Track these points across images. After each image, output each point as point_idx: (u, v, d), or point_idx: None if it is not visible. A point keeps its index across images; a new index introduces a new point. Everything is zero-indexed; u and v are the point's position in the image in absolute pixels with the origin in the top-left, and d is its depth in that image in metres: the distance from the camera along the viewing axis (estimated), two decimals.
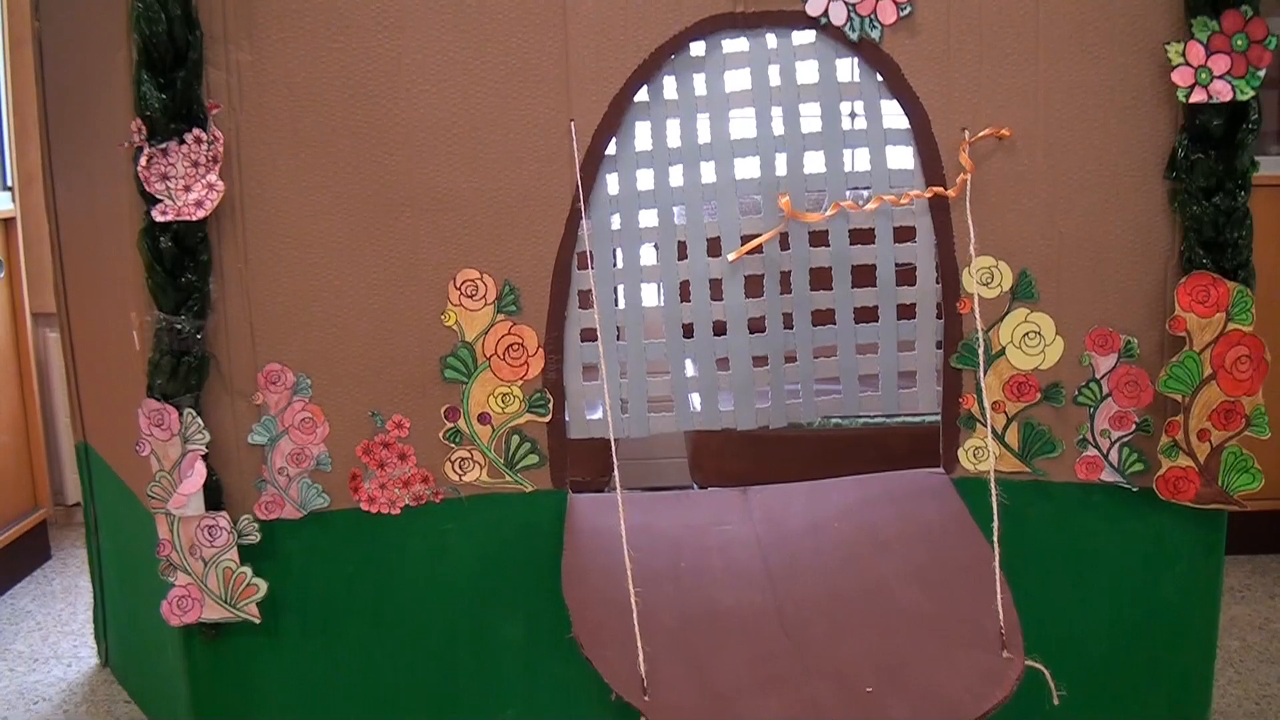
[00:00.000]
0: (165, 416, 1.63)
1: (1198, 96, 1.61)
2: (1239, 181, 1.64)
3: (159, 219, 1.59)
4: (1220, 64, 1.61)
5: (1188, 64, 1.62)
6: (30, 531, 2.58)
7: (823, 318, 1.81)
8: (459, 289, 1.73)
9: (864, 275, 1.80)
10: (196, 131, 1.61)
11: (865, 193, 1.78)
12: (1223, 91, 1.60)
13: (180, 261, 1.63)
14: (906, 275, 1.78)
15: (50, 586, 2.55)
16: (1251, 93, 1.60)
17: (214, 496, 1.68)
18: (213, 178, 1.62)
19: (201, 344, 1.65)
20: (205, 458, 1.65)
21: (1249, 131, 1.61)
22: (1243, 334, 1.64)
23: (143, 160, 1.59)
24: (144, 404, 1.64)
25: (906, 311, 1.79)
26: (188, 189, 1.61)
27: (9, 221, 2.58)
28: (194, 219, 1.60)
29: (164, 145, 1.60)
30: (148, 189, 1.59)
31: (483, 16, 1.68)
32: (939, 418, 1.80)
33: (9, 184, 2.60)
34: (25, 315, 2.62)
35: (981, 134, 1.71)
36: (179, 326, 1.62)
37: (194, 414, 1.64)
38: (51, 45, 1.67)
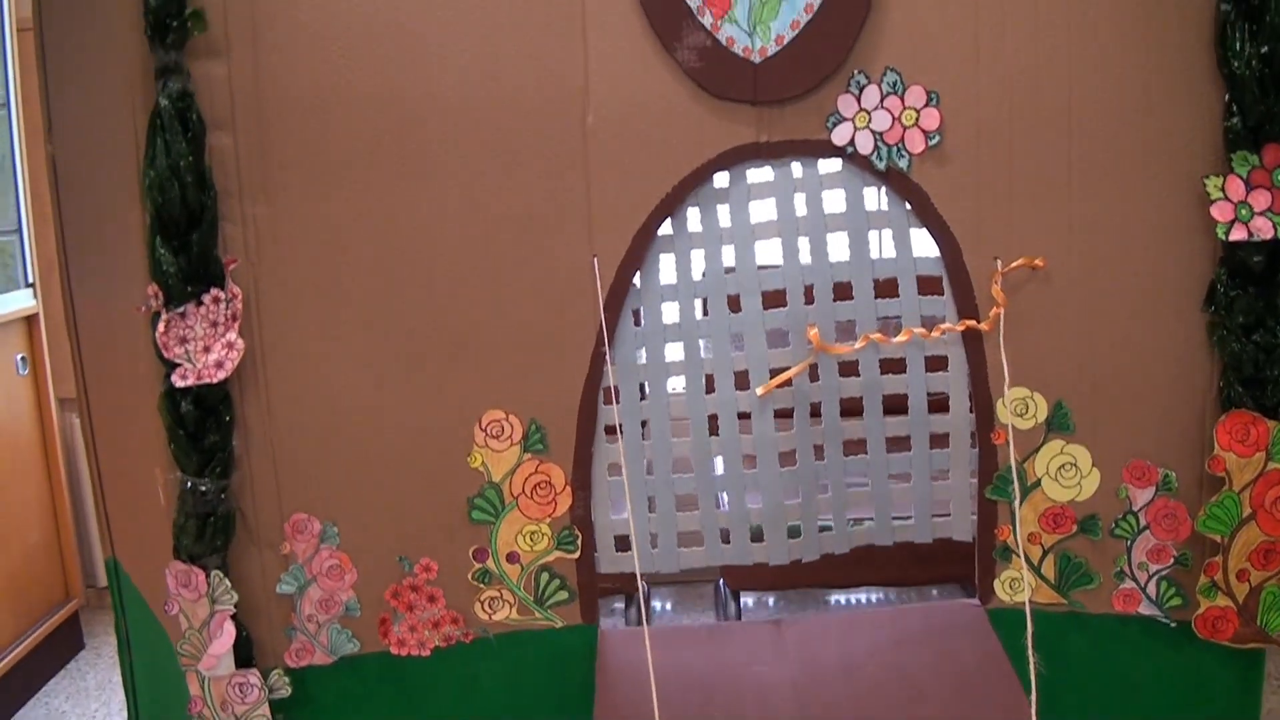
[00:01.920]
0: (193, 578, 1.62)
1: (1238, 234, 1.57)
2: None
3: (179, 384, 1.57)
4: (1261, 200, 1.56)
5: (1227, 199, 1.58)
6: (63, 624, 2.59)
7: (854, 447, 1.78)
8: (484, 430, 1.71)
9: (896, 404, 1.76)
10: (215, 291, 1.60)
11: (896, 321, 1.74)
12: (1264, 229, 1.56)
13: (203, 423, 1.61)
14: (939, 404, 1.75)
15: (84, 682, 2.56)
16: None
17: (244, 651, 1.68)
18: (232, 336, 1.60)
19: (227, 502, 1.64)
20: (234, 614, 1.65)
21: None
22: None
23: (161, 326, 1.57)
24: (171, 565, 1.63)
25: (939, 441, 1.76)
26: (207, 350, 1.59)
27: (32, 318, 2.57)
28: (215, 381, 1.58)
29: (182, 309, 1.58)
30: (166, 355, 1.57)
31: (503, 156, 1.66)
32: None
33: (30, 280, 2.59)
34: (51, 407, 2.62)
35: (1014, 264, 1.67)
36: (203, 489, 1.61)
37: (221, 575, 1.63)
38: (66, 171, 1.65)
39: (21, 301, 2.54)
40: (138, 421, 1.67)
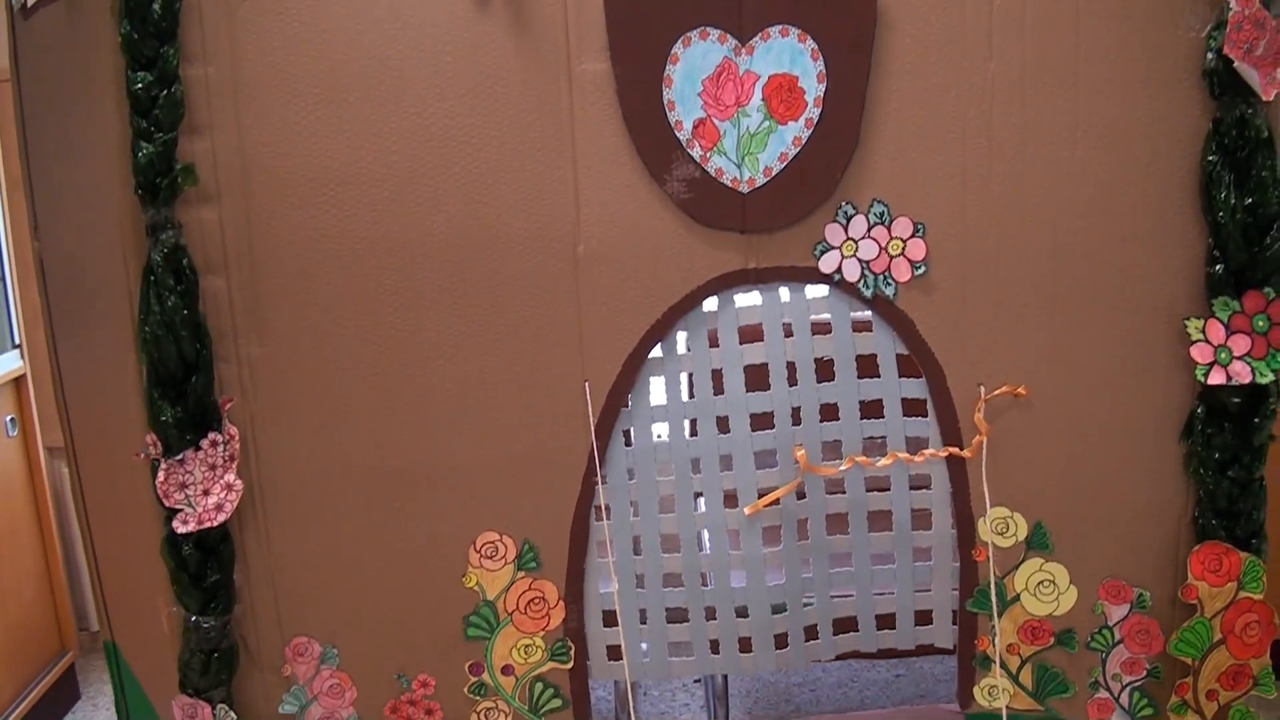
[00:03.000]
0: (198, 710, 1.66)
1: (1216, 377, 1.61)
2: (1255, 455, 1.64)
3: (180, 530, 1.60)
4: (1240, 344, 1.60)
5: (1207, 342, 1.61)
6: (60, 677, 2.63)
7: (840, 561, 1.82)
8: (479, 551, 1.75)
9: (880, 521, 1.81)
10: (212, 435, 1.62)
11: (882, 440, 1.78)
12: (1242, 373, 1.60)
13: (204, 564, 1.64)
14: (923, 519, 1.80)
15: None
16: (1271, 376, 1.60)
17: None
18: (230, 477, 1.63)
19: (230, 636, 1.68)
20: None
21: (1268, 414, 1.61)
22: (1253, 601, 1.67)
23: (161, 475, 1.59)
24: (177, 699, 1.67)
25: (922, 554, 1.81)
26: (206, 493, 1.61)
27: (20, 379, 2.57)
28: (215, 524, 1.61)
29: (180, 456, 1.60)
30: (167, 503, 1.60)
31: (495, 288, 1.68)
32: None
33: (17, 341, 2.59)
34: (40, 459, 2.63)
35: (997, 391, 1.71)
36: (207, 626, 1.64)
37: (226, 709, 1.67)
38: (52, 263, 1.66)
39: (9, 364, 2.54)
40: (132, 504, 1.69)
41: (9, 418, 2.56)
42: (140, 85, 1.51)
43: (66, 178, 1.64)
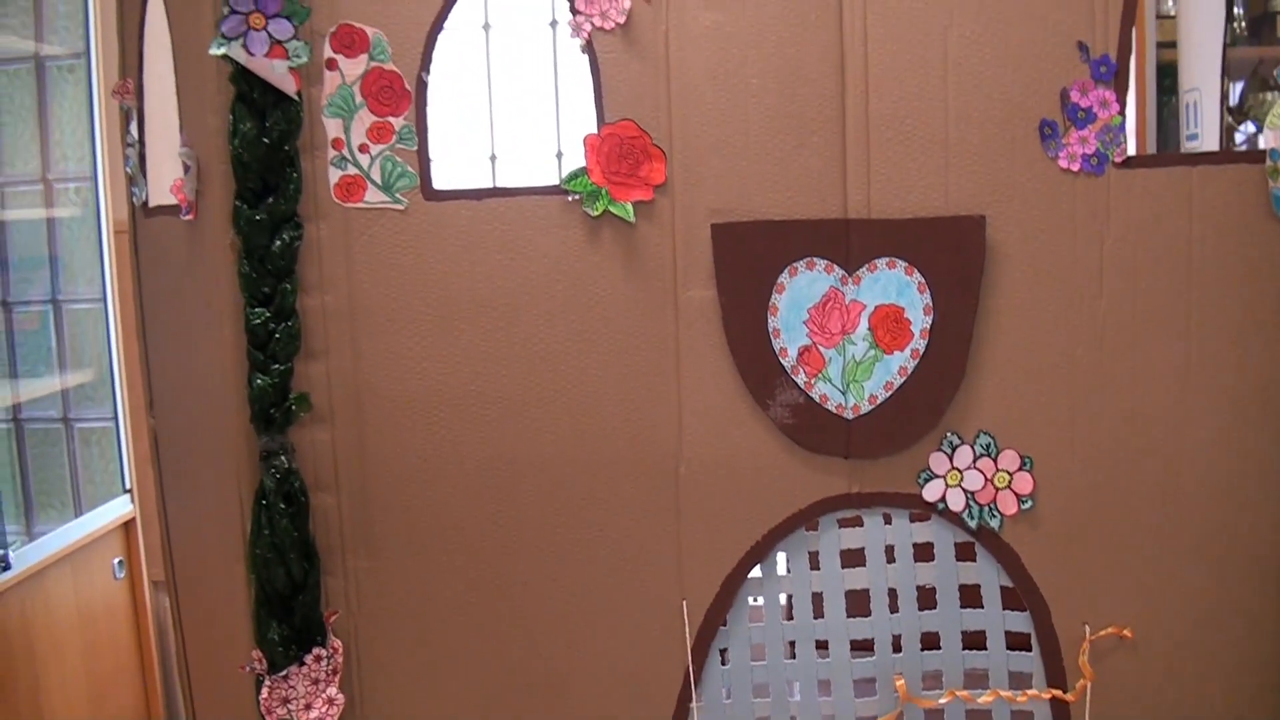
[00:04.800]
0: None
1: None
2: None
3: None
4: None
5: None
6: None
7: None
8: None
9: None
10: (316, 650, 1.65)
11: (984, 672, 1.74)
12: None
13: None
14: None
15: None
16: None
17: None
18: (333, 691, 1.65)
19: None
20: None
21: None
22: None
23: (264, 692, 1.62)
24: None
25: None
26: (308, 708, 1.64)
27: (129, 523, 2.66)
28: None
29: (284, 673, 1.63)
30: (269, 718, 1.63)
31: (597, 505, 1.70)
32: None
33: (128, 486, 2.68)
34: (148, 614, 2.71)
35: (1103, 633, 1.67)
36: None
37: None
38: (165, 440, 1.73)
39: (119, 509, 2.63)
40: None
41: (117, 560, 2.64)
42: (258, 321, 1.56)
43: (182, 366, 1.71)
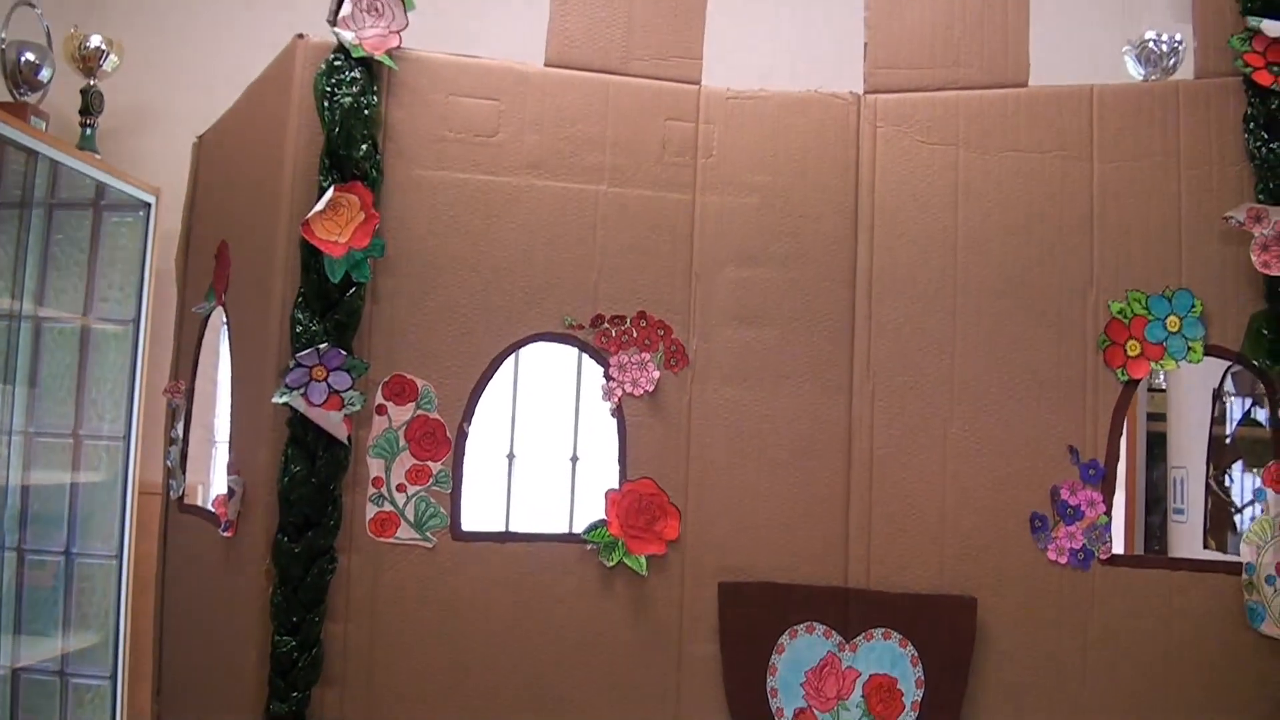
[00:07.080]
0: None
1: None
2: None
3: None
4: None
5: None
6: None
7: None
8: None
9: None
10: None
11: None
12: None
13: None
14: None
15: None
16: None
17: None
18: None
19: None
20: None
21: None
22: None
23: None
24: None
25: None
26: None
27: None
28: None
29: None
30: None
31: (605, 689, 1.74)
32: None
33: None
34: None
35: None
36: None
37: None
38: None
39: None
40: None
41: None
42: (284, 649, 1.64)
43: (195, 666, 1.75)
